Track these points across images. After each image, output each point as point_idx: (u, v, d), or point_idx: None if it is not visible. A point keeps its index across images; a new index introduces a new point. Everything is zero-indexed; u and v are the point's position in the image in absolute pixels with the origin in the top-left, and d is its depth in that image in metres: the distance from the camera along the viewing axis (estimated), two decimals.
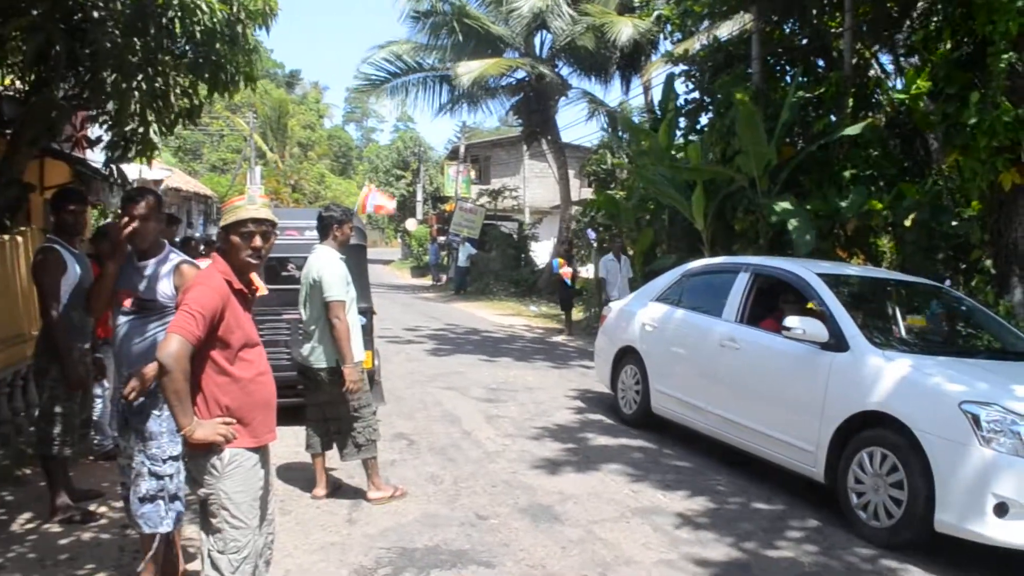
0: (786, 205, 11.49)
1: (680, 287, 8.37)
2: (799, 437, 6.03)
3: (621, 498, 6.09)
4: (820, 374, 5.94)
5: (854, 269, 8.37)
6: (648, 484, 6.45)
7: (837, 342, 5.93)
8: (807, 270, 6.78)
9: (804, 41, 14.18)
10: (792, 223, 11.14)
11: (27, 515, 5.43)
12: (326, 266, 5.75)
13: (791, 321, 6.13)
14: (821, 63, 14.14)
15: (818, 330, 5.99)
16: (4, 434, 6.60)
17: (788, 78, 13.92)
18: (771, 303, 7.19)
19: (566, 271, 17.29)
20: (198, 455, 3.24)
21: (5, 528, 5.22)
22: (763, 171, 12.25)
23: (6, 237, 6.89)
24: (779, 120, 12.25)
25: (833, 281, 6.59)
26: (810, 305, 6.74)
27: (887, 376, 5.50)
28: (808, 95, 13.16)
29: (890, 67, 14.06)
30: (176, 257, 4.30)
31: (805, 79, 13.65)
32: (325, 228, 6.02)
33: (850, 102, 12.28)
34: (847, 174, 11.67)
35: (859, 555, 5.15)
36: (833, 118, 12.34)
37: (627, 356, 8.65)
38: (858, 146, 11.81)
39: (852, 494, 5.53)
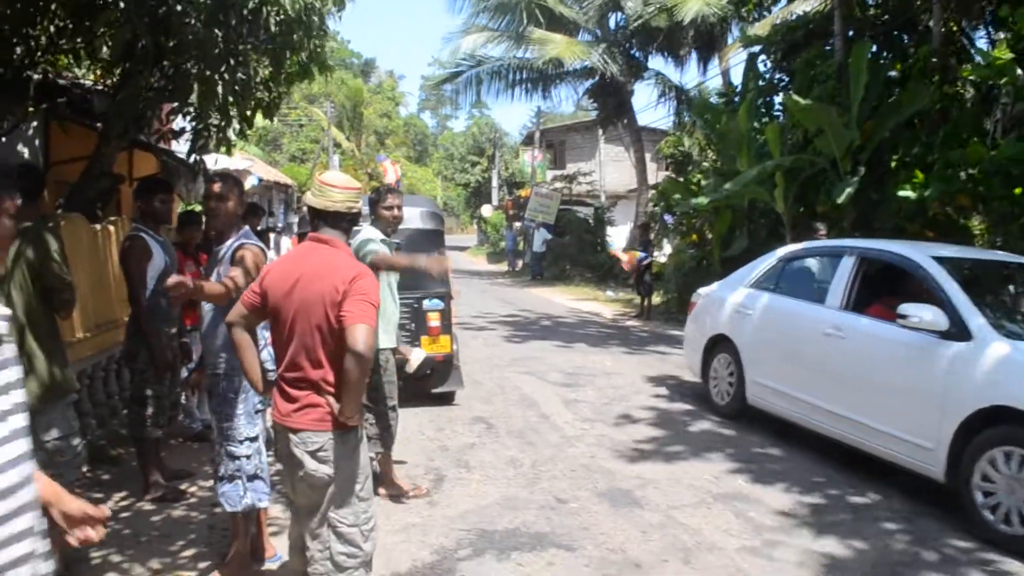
0: (849, 190, 11.17)
1: (777, 272, 7.96)
2: (916, 433, 5.59)
3: (701, 483, 6.02)
4: (939, 365, 5.52)
5: (971, 251, 7.83)
6: (729, 470, 6.36)
7: (958, 331, 5.49)
8: (921, 253, 6.32)
9: (887, 16, 13.70)
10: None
11: (122, 493, 5.64)
12: (368, 236, 5.36)
13: (907, 308, 5.71)
14: (905, 38, 13.67)
15: (937, 318, 5.57)
16: (100, 416, 6.86)
17: (871, 54, 13.49)
18: (878, 289, 6.75)
19: (630, 256, 17.06)
20: (344, 434, 3.29)
21: (102, 505, 5.42)
22: (845, 152, 11.92)
23: (98, 226, 7.14)
24: (859, 99, 11.88)
25: (950, 264, 6.11)
26: (920, 291, 6.22)
27: (1018, 367, 5.09)
28: (893, 72, 12.74)
29: (981, 41, 13.50)
30: (241, 240, 4.31)
31: (889, 55, 13.21)
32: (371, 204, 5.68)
33: (936, 77, 11.84)
34: (933, 154, 11.24)
35: (955, 547, 4.94)
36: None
37: (719, 345, 8.28)
38: (946, 122, 11.38)
39: (977, 493, 5.10)
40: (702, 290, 9.33)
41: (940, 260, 6.10)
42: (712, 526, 5.18)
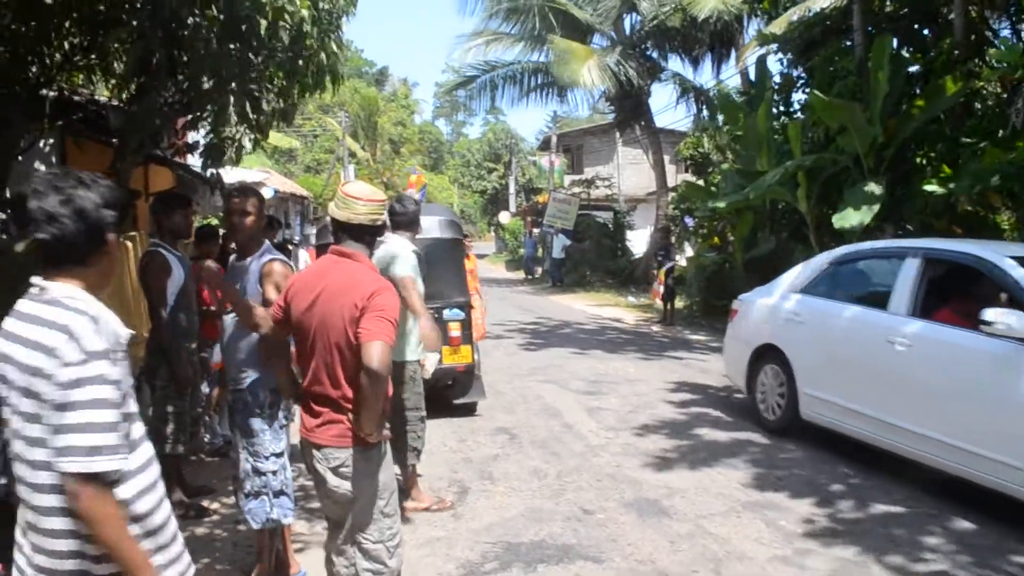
0: (874, 189, 11.02)
1: (829, 276, 7.41)
2: (1003, 451, 5.10)
3: (730, 492, 5.90)
4: None
5: None
6: (758, 478, 6.24)
7: None
8: (997, 253, 5.81)
9: (906, 9, 13.51)
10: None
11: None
12: (399, 251, 5.38)
13: (992, 314, 5.23)
14: (926, 31, 13.48)
15: None
16: None
17: (892, 49, 13.33)
18: (946, 292, 6.21)
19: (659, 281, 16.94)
20: (366, 451, 3.24)
21: None
22: (868, 149, 11.76)
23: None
24: (882, 95, 11.72)
25: None
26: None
27: None
28: (916, 67, 12.58)
29: (1005, 32, 13.28)
30: (268, 255, 4.28)
31: (911, 49, 13.04)
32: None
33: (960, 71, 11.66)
34: (960, 149, 11.07)
35: (1014, 563, 4.69)
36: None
37: (767, 355, 7.67)
38: (971, 117, 11.21)
39: None
40: (744, 296, 8.68)
41: (1021, 260, 5.61)
42: (742, 535, 5.07)
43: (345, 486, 3.22)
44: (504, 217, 47.70)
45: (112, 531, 1.98)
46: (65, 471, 1.92)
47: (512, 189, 53.17)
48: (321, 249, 6.65)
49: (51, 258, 2.08)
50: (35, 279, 2.08)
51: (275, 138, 8.12)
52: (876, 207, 10.88)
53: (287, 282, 3.55)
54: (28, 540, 2.06)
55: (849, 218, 10.99)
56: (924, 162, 11.62)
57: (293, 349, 3.46)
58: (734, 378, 8.51)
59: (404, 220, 5.65)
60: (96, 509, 1.94)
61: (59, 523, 2.01)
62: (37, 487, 2.01)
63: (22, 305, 2.09)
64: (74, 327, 1.98)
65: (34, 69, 6.64)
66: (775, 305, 7.79)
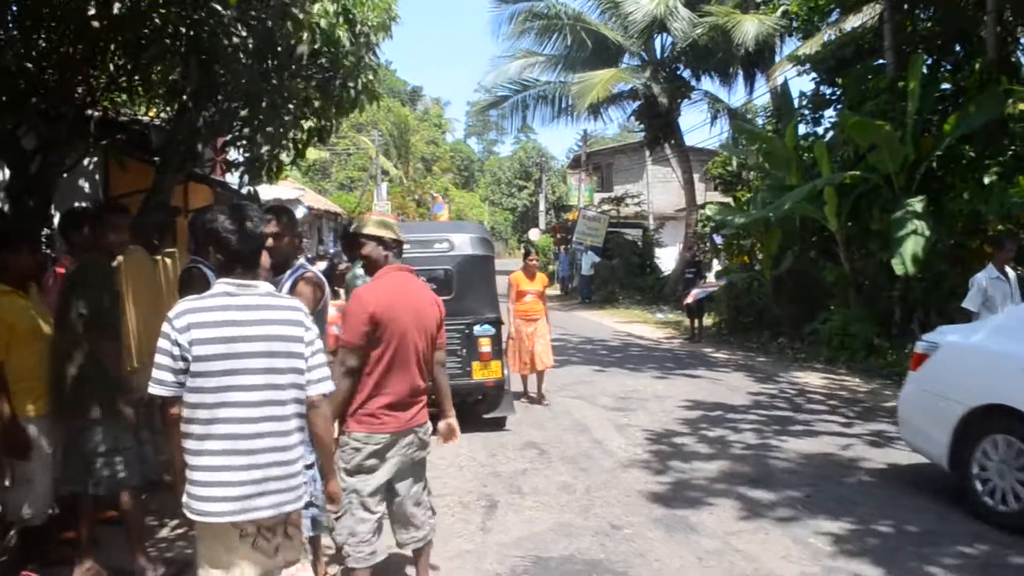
0: (906, 216, 10.97)
1: None
2: None
3: (758, 509, 5.91)
4: None
5: None
6: (786, 496, 6.24)
7: None
8: None
9: (939, 28, 13.49)
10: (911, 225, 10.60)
11: (175, 521, 5.70)
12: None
13: None
14: (959, 49, 13.45)
15: None
16: (156, 443, 6.97)
17: (925, 69, 13.31)
18: None
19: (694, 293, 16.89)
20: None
21: (158, 532, 5.51)
22: (900, 168, 11.73)
23: (156, 258, 7.30)
24: (915, 113, 11.70)
25: None
26: None
27: None
28: (948, 86, 12.54)
29: None
30: (300, 271, 4.41)
31: (944, 67, 13.01)
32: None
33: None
34: (993, 169, 11.01)
35: None
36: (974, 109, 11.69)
37: (992, 420, 5.64)
38: (1006, 136, 11.15)
39: None
40: (934, 336, 6.53)
41: None
42: (770, 552, 5.08)
43: (427, 448, 4.13)
44: (534, 234, 47.74)
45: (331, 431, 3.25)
46: (320, 392, 3.08)
47: (542, 206, 53.26)
48: (332, 260, 6.89)
49: (250, 264, 3.04)
50: (235, 279, 2.98)
51: (309, 153, 8.29)
52: (926, 233, 10.79)
53: (371, 306, 3.83)
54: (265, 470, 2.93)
55: (905, 255, 10.86)
56: (956, 181, 11.55)
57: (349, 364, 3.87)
58: (923, 446, 6.34)
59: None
60: (328, 413, 3.24)
61: (297, 438, 3.04)
62: (284, 418, 2.98)
63: (247, 298, 2.98)
64: (300, 306, 3.15)
65: (80, 90, 6.84)
66: (1003, 350, 5.77)
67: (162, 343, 2.89)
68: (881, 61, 13.75)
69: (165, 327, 2.89)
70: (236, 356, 2.89)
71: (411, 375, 3.94)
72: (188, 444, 2.91)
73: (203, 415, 2.88)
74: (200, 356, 2.85)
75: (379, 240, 4.01)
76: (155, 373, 2.90)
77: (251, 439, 2.90)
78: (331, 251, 25.78)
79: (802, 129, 15.42)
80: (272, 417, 2.95)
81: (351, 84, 6.66)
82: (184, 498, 3.00)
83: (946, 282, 11.75)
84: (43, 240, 7.21)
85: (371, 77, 6.71)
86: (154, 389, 2.91)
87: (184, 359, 2.86)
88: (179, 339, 2.85)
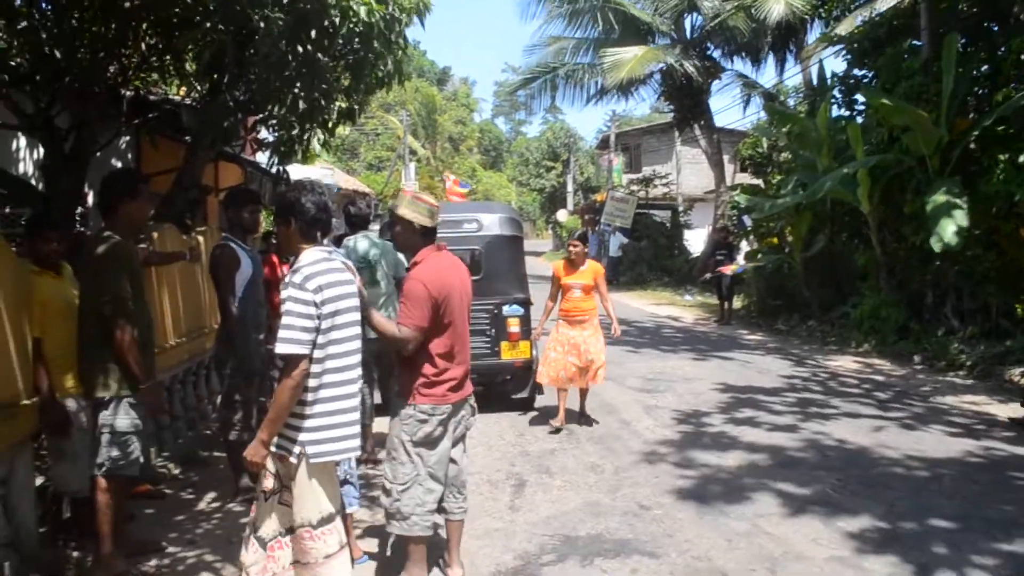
0: (942, 196, 10.77)
1: None
2: None
3: (788, 491, 5.87)
4: None
5: None
6: (817, 478, 6.20)
7: None
8: None
9: (975, 8, 13.21)
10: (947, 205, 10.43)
11: (212, 495, 5.81)
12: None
13: None
14: (996, 29, 13.16)
15: None
16: (190, 419, 7.08)
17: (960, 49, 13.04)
18: None
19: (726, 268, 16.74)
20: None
21: (194, 506, 5.60)
22: (934, 150, 11.55)
23: (188, 236, 7.37)
24: (948, 94, 11.49)
25: None
26: None
27: None
28: (984, 66, 12.30)
29: None
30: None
31: (979, 48, 12.75)
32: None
33: None
34: None
35: None
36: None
37: None
38: None
39: None
40: None
41: None
42: (800, 535, 5.05)
43: (475, 416, 4.37)
44: (562, 215, 47.71)
45: None
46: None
47: (570, 187, 53.13)
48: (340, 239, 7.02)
49: (326, 230, 3.47)
50: (320, 248, 3.37)
51: (340, 131, 8.34)
52: (962, 215, 10.61)
53: (432, 289, 3.90)
54: None
55: (945, 233, 10.68)
56: (991, 164, 11.33)
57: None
58: None
59: (360, 220, 6.64)
60: None
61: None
62: (357, 366, 3.45)
63: (335, 261, 3.37)
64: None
65: (112, 70, 6.91)
66: None
67: (298, 307, 3.17)
68: (915, 42, 13.51)
69: (297, 292, 3.18)
70: (343, 312, 3.32)
71: (465, 348, 4.17)
72: (307, 396, 3.26)
73: (324, 366, 3.27)
74: (324, 314, 3.23)
75: (409, 223, 4.04)
76: (292, 334, 3.16)
77: (350, 384, 3.38)
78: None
79: (834, 111, 15.20)
80: (356, 365, 3.42)
81: (381, 64, 6.67)
82: (296, 447, 3.29)
83: (980, 266, 11.58)
84: (77, 218, 7.31)
85: (400, 56, 6.71)
86: (292, 348, 3.17)
87: (318, 318, 3.21)
88: (315, 299, 3.19)
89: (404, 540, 4.11)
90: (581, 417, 8.00)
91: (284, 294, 3.21)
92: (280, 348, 3.19)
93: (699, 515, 5.41)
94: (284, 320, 3.19)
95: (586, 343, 7.64)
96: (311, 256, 3.34)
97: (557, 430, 7.61)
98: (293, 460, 3.29)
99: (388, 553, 4.09)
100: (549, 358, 7.72)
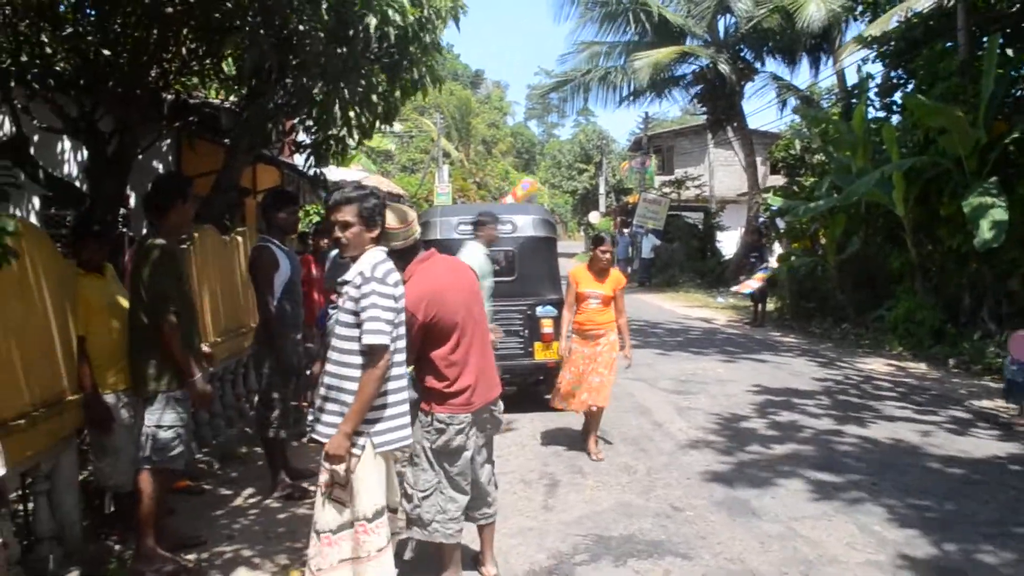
0: (980, 199, 10.62)
1: None
2: None
3: (823, 494, 5.85)
4: None
5: None
6: (852, 481, 6.16)
7: None
8: None
9: (1015, 8, 13.02)
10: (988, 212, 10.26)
11: (250, 491, 5.91)
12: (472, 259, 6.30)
13: None
14: None
15: None
16: (229, 417, 7.19)
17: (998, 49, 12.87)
18: None
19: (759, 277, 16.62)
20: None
21: (232, 502, 5.70)
22: (971, 152, 11.41)
23: (227, 237, 7.48)
24: (987, 96, 11.34)
25: None
26: None
27: None
28: (1022, 67, 12.13)
29: None
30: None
31: (1020, 48, 12.57)
32: (475, 227, 7.24)
33: None
34: None
35: None
36: None
37: None
38: None
39: None
40: None
41: None
42: (834, 538, 5.03)
43: (500, 425, 4.41)
44: (594, 217, 47.61)
45: None
46: None
47: (602, 189, 52.95)
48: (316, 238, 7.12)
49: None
50: (380, 248, 3.53)
51: (375, 140, 8.44)
52: (1003, 212, 10.49)
53: (424, 292, 3.86)
54: None
55: (985, 232, 10.53)
56: None
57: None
58: None
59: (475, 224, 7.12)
60: None
61: None
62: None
63: (388, 261, 3.49)
64: None
65: (154, 74, 7.03)
66: None
67: (384, 301, 3.35)
68: (950, 43, 13.34)
69: (380, 287, 3.35)
70: (403, 309, 3.55)
71: (479, 352, 4.11)
72: (385, 386, 3.45)
73: (392, 359, 3.44)
74: (399, 308, 3.47)
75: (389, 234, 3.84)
76: (378, 326, 3.32)
77: (403, 378, 3.59)
78: None
79: (870, 113, 15.07)
80: (404, 359, 3.61)
81: (416, 67, 6.74)
82: (361, 439, 3.40)
83: (1018, 270, 11.42)
84: (119, 220, 7.45)
85: (434, 59, 6.78)
86: (380, 339, 3.33)
87: (397, 312, 3.43)
88: (394, 293, 3.40)
89: (436, 544, 4.10)
90: (592, 443, 6.93)
91: (366, 288, 3.32)
92: (368, 339, 3.30)
93: (732, 517, 5.40)
94: (369, 312, 3.31)
95: (601, 359, 6.78)
96: (379, 255, 3.49)
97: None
98: (357, 452, 3.37)
99: (406, 556, 4.12)
100: (565, 379, 6.89)
